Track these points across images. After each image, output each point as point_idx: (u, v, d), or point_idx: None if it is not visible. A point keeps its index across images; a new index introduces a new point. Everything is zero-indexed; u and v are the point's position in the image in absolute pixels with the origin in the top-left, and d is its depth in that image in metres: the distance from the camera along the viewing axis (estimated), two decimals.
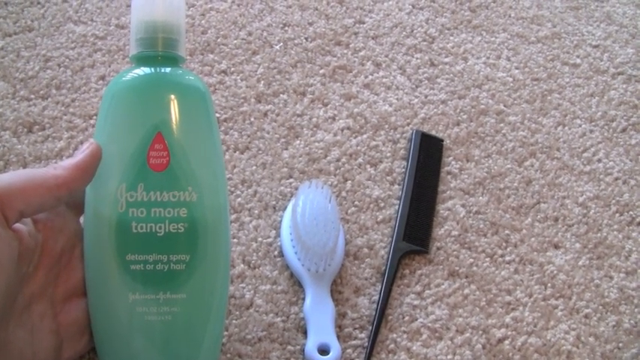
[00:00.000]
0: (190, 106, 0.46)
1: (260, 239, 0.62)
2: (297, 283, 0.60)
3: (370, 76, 0.75)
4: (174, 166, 0.44)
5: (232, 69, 0.73)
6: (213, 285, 0.47)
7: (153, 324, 0.45)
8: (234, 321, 0.57)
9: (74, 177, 0.43)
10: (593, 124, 0.76)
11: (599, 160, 0.72)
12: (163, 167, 0.44)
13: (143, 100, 0.46)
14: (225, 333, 0.56)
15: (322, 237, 0.57)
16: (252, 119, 0.69)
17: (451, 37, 0.81)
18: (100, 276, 0.46)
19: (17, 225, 0.42)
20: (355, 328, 0.58)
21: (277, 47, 0.75)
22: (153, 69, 0.46)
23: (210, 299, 0.47)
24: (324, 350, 0.55)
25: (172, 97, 0.45)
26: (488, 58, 0.79)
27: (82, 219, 0.48)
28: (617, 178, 0.71)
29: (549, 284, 0.63)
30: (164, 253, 0.45)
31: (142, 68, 0.46)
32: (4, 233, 0.40)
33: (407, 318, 0.59)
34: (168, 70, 0.46)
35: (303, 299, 0.58)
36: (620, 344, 0.60)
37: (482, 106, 0.74)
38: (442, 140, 0.71)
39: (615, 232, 0.67)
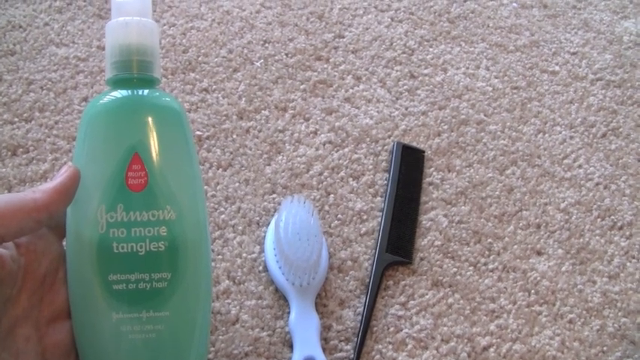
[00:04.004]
0: (166, 127, 0.46)
1: (244, 255, 0.62)
2: (282, 298, 0.60)
3: (351, 90, 0.75)
4: (152, 185, 0.45)
5: (214, 87, 0.73)
6: (196, 301, 0.47)
7: (137, 343, 0.45)
8: (220, 337, 0.57)
9: (53, 200, 0.43)
10: (573, 130, 0.76)
11: (580, 166, 0.73)
12: (142, 187, 0.45)
13: (120, 122, 0.46)
14: (212, 349, 0.56)
15: (305, 251, 0.58)
16: (234, 136, 0.69)
17: (430, 49, 0.81)
18: (83, 297, 0.46)
19: None
20: (341, 341, 0.59)
21: (258, 64, 0.76)
22: (128, 91, 0.46)
23: (194, 316, 0.47)
24: None
25: (148, 118, 0.46)
26: (467, 68, 0.80)
27: (64, 241, 0.48)
28: (598, 184, 0.72)
29: (533, 291, 0.63)
30: (146, 271, 0.45)
31: (118, 91, 0.46)
32: None
33: (392, 329, 0.60)
34: (143, 91, 0.47)
35: (289, 313, 0.59)
36: (605, 348, 0.61)
37: (463, 116, 0.75)
38: (423, 151, 0.71)
39: (597, 237, 0.68)
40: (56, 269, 0.47)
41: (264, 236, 0.63)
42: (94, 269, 0.45)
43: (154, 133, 0.45)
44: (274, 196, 0.66)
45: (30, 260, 0.45)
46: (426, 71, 0.79)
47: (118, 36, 0.47)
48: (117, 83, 0.47)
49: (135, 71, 0.47)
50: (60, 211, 0.44)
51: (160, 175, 0.45)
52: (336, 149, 0.70)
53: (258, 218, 0.64)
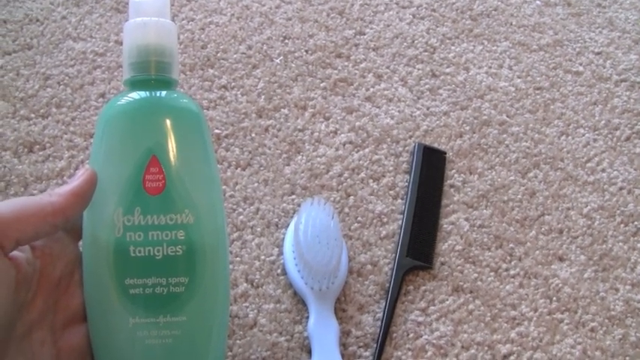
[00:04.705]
0: (184, 129, 0.46)
1: (263, 257, 0.61)
2: (300, 302, 0.59)
3: (372, 89, 0.74)
4: (170, 189, 0.44)
5: (233, 84, 0.72)
6: (214, 306, 0.47)
7: (154, 348, 0.44)
8: (237, 341, 0.57)
9: (70, 203, 0.43)
10: (596, 132, 0.75)
11: (604, 170, 0.72)
12: (159, 190, 0.44)
13: (137, 124, 0.45)
14: (230, 353, 0.56)
15: (325, 255, 0.57)
16: (253, 135, 0.69)
17: (452, 47, 0.80)
18: (99, 301, 0.45)
19: (14, 253, 0.41)
20: (360, 347, 0.58)
21: (277, 61, 0.75)
22: (146, 93, 0.46)
23: (211, 321, 0.47)
24: None
25: (166, 120, 0.45)
26: (490, 67, 0.79)
27: (80, 244, 0.47)
28: (621, 188, 0.71)
29: (554, 298, 0.62)
30: (163, 276, 0.44)
31: (136, 92, 0.46)
32: (0, 262, 0.39)
33: (411, 335, 0.59)
34: (161, 93, 0.46)
35: (307, 318, 0.58)
36: (627, 358, 0.60)
37: (485, 117, 0.74)
38: (445, 153, 0.70)
39: (620, 244, 0.67)
40: (71, 272, 0.47)
41: (283, 238, 0.62)
42: (111, 273, 0.44)
43: (172, 136, 0.45)
44: (293, 197, 0.65)
45: (45, 263, 0.44)
46: (447, 70, 0.78)
47: (136, 36, 0.46)
48: (134, 84, 0.46)
49: (153, 72, 0.46)
50: (76, 214, 0.44)
51: (178, 178, 0.45)
52: (356, 149, 0.69)
53: (277, 220, 0.64)
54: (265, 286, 0.60)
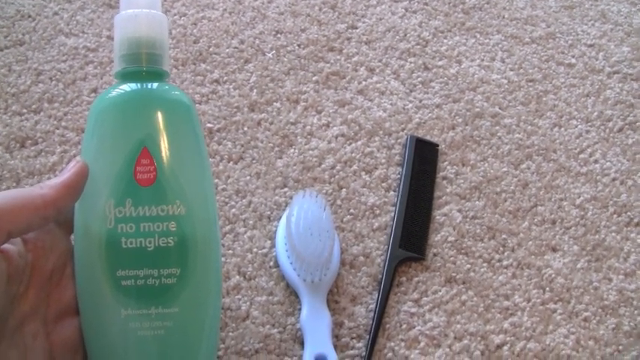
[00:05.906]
0: (175, 121, 0.46)
1: (255, 250, 0.61)
2: (293, 294, 0.59)
3: (364, 82, 0.74)
4: (161, 180, 0.44)
5: (225, 78, 0.72)
6: (206, 298, 0.47)
7: (146, 339, 0.44)
8: (230, 333, 0.57)
9: (61, 195, 0.43)
10: (589, 124, 0.75)
11: (596, 161, 0.72)
12: (150, 182, 0.44)
13: (128, 116, 0.45)
14: (222, 345, 0.56)
15: (317, 247, 0.57)
16: (245, 128, 0.69)
17: (445, 40, 0.80)
18: (91, 293, 0.45)
19: (6, 246, 0.41)
20: (352, 338, 0.58)
21: (270, 55, 0.75)
22: (137, 85, 0.46)
23: (203, 312, 0.47)
24: None
25: (157, 112, 0.45)
26: (482, 60, 0.79)
27: (72, 236, 0.47)
28: (614, 179, 0.71)
29: (547, 288, 0.63)
30: (155, 267, 0.44)
31: (127, 84, 0.46)
32: None
33: (404, 326, 0.59)
34: (152, 85, 0.46)
35: (300, 310, 0.58)
36: (620, 347, 0.60)
37: (477, 109, 0.74)
38: (437, 145, 0.70)
39: (613, 234, 0.67)
40: (64, 265, 0.47)
41: (276, 231, 0.62)
42: (103, 265, 0.44)
43: (163, 127, 0.45)
44: (286, 189, 0.65)
45: (37, 256, 0.44)
46: (440, 63, 0.78)
47: (127, 28, 0.46)
48: (125, 76, 0.46)
49: (144, 64, 0.46)
50: (68, 206, 0.44)
51: (169, 169, 0.45)
52: (348, 142, 0.69)
53: (269, 212, 0.64)
54: (258, 278, 0.60)
